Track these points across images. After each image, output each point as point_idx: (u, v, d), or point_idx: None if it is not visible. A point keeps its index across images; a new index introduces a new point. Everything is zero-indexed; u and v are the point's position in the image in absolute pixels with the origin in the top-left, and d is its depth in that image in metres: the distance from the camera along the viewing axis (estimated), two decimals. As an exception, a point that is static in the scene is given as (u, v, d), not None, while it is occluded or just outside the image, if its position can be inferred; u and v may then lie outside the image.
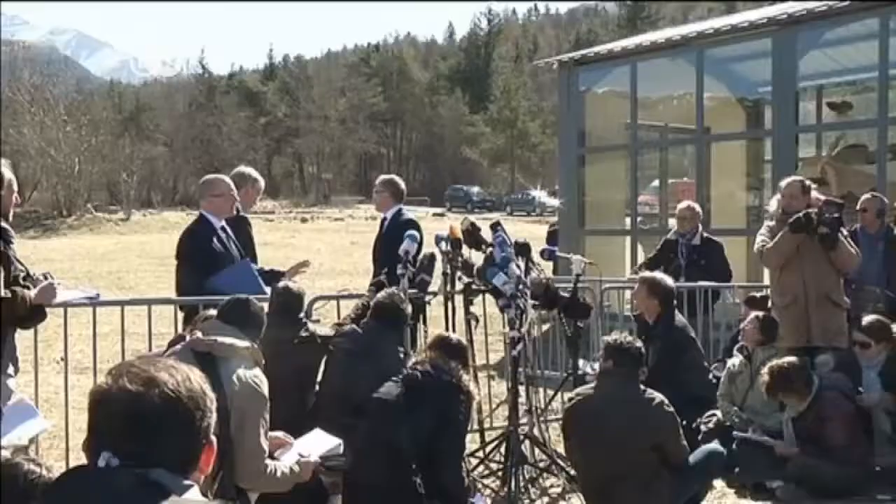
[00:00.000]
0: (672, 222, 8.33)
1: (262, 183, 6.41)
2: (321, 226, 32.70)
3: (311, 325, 4.75)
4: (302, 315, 4.74)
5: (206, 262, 5.20)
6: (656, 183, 14.48)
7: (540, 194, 44.36)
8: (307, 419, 4.43)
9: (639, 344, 4.68)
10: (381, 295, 4.88)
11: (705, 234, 7.89)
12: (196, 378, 1.75)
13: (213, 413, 1.79)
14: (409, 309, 4.87)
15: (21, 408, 3.93)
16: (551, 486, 5.31)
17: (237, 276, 5.13)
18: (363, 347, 4.65)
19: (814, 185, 6.26)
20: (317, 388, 4.84)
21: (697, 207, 7.99)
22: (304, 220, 36.24)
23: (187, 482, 1.70)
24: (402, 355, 4.68)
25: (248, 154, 72.62)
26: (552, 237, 11.91)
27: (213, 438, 1.78)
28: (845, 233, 6.02)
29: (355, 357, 4.62)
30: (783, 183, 6.18)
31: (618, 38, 15.62)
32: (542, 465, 5.47)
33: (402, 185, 6.89)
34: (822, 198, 6.10)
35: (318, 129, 72.01)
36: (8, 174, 4.05)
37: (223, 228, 5.47)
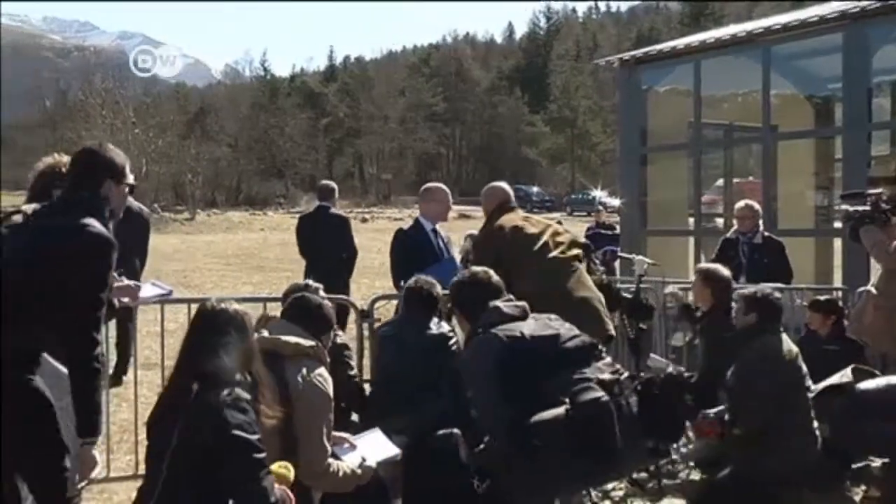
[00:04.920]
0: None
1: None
2: (381, 226, 32.88)
3: None
4: None
5: (415, 257, 5.86)
6: (720, 182, 14.25)
7: (600, 194, 43.90)
8: None
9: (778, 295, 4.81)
10: (409, 283, 4.91)
11: (766, 233, 7.75)
12: None
13: None
14: (440, 292, 4.86)
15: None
16: (613, 489, 5.26)
17: (442, 272, 5.45)
18: (397, 333, 4.74)
19: None
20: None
21: (756, 206, 7.85)
22: (364, 220, 36.46)
23: None
24: (435, 335, 4.65)
25: (309, 155, 73.45)
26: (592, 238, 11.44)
27: None
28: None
29: (392, 342, 4.71)
30: None
31: (680, 36, 15.41)
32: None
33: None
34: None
35: (378, 129, 72.46)
36: None
37: (433, 230, 6.29)
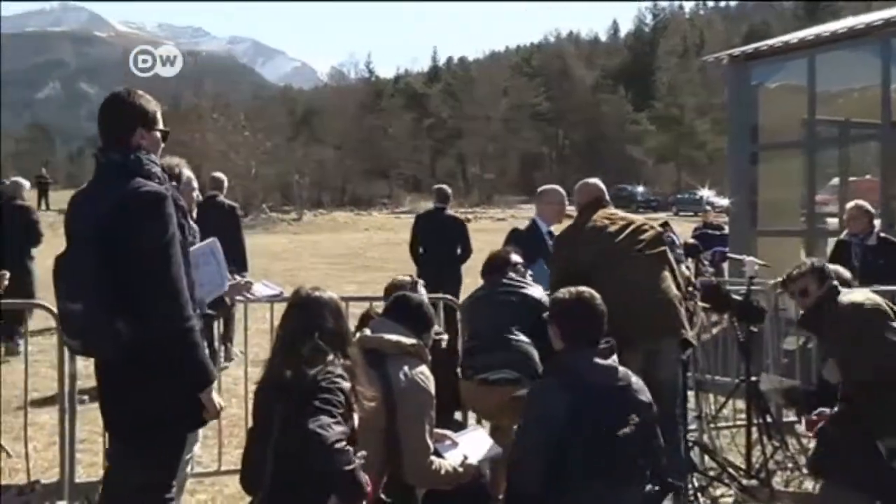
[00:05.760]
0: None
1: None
2: (484, 226, 32.92)
3: None
4: None
5: (527, 257, 5.84)
6: (835, 181, 13.75)
7: (708, 194, 42.89)
8: None
9: None
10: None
11: (882, 234, 7.42)
12: None
13: None
14: (517, 258, 5.11)
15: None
16: (721, 495, 5.14)
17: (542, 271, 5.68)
18: (484, 294, 4.96)
19: None
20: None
21: (868, 206, 7.50)
22: (467, 220, 36.59)
23: None
24: (502, 290, 4.86)
25: (413, 155, 74.12)
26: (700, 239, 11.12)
27: None
28: None
29: (469, 306, 5.07)
30: None
31: (792, 31, 14.94)
32: (711, 473, 5.30)
33: None
34: None
35: (481, 129, 72.56)
36: (188, 173, 4.25)
37: (549, 232, 6.41)
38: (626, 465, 3.40)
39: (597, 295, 3.69)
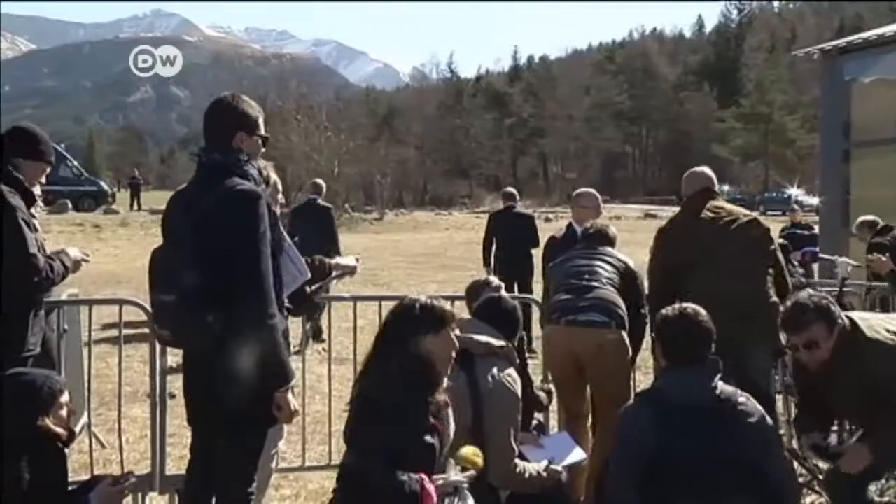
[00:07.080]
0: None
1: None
2: (564, 225, 32.75)
3: None
4: None
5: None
6: (934, 179, 13.22)
7: (796, 192, 41.76)
8: None
9: None
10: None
11: None
12: None
13: None
14: (614, 232, 5.18)
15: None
16: (812, 503, 4.98)
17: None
18: (570, 257, 5.00)
19: None
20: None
21: (872, 218, 7.66)
22: (547, 220, 36.28)
23: None
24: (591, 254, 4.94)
25: (494, 155, 74.13)
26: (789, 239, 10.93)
27: None
28: None
29: (564, 261, 5.04)
30: None
31: (889, 23, 14.43)
32: (801, 480, 5.14)
33: None
34: None
35: (563, 128, 72.12)
36: (274, 176, 4.33)
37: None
38: (721, 486, 3.25)
39: (701, 311, 3.50)
